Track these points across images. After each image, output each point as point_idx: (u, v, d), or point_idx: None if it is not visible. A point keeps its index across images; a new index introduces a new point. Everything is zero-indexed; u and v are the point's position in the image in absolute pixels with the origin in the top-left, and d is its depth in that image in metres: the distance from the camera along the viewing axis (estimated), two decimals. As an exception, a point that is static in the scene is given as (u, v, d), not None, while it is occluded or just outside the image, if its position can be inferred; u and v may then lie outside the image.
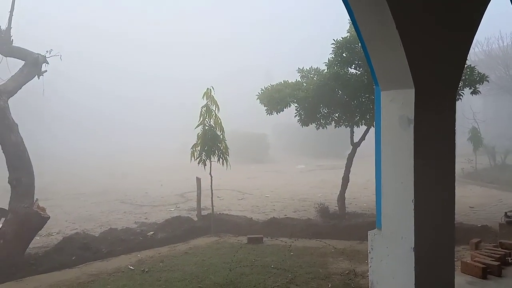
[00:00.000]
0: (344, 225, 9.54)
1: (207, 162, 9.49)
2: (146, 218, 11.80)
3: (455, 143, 3.02)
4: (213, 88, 9.42)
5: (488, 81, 10.12)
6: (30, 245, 8.30)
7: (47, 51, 8.81)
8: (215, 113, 9.44)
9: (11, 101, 8.24)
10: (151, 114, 38.38)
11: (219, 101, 9.57)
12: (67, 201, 14.66)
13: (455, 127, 2.99)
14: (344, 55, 9.97)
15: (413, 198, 2.61)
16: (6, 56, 8.79)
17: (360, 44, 9.78)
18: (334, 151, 27.86)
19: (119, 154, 28.26)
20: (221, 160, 9.51)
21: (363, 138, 10.83)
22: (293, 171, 23.24)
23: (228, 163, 9.51)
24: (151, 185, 18.47)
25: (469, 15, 2.80)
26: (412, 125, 2.58)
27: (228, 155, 9.59)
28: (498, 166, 20.43)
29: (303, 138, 27.68)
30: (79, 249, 8.11)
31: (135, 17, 46.30)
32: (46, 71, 8.89)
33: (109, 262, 7.83)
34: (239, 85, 39.88)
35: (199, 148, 9.43)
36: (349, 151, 11.10)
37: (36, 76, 8.72)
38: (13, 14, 8.88)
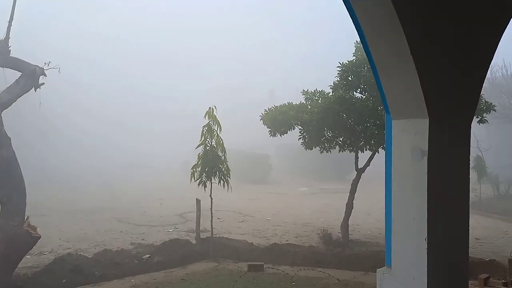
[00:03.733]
0: (348, 254, 9.19)
1: (208, 184, 9.21)
2: (143, 239, 11.45)
3: (469, 176, 2.82)
4: (215, 108, 9.22)
5: (495, 110, 9.97)
6: (20, 265, 7.97)
7: (45, 63, 8.64)
8: (216, 133, 9.21)
9: (8, 113, 8.03)
10: (154, 123, 37.73)
11: (219, 115, 9.35)
12: (63, 218, 14.31)
13: (469, 159, 2.81)
14: (349, 78, 9.83)
15: (426, 236, 2.41)
16: (3, 67, 8.62)
17: (366, 68, 9.71)
18: (338, 174, 27.54)
19: (120, 169, 27.88)
20: (222, 182, 9.23)
21: (368, 163, 10.57)
22: (296, 193, 22.88)
23: (229, 186, 9.23)
24: (151, 203, 18.12)
25: (486, 40, 2.65)
26: (425, 158, 2.40)
27: (229, 177, 9.32)
28: (502, 195, 20.14)
29: (306, 160, 27.31)
30: (70, 271, 7.77)
31: (142, 21, 46.05)
32: (43, 83, 8.69)
33: (101, 287, 7.47)
34: (240, 99, 39.82)
35: (199, 169, 9.16)
36: (353, 175, 10.85)
37: (33, 88, 8.52)
38: (12, 24, 8.77)
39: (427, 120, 2.39)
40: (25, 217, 7.64)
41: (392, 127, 2.61)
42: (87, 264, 8.13)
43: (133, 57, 41.73)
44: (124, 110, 37.39)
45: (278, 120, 10.05)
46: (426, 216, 2.38)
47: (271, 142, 23.74)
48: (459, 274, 2.71)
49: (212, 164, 9.13)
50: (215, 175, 9.18)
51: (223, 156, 9.30)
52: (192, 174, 9.23)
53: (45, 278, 7.55)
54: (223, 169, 9.27)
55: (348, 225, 10.54)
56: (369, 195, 16.22)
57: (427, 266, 2.38)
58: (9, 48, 8.74)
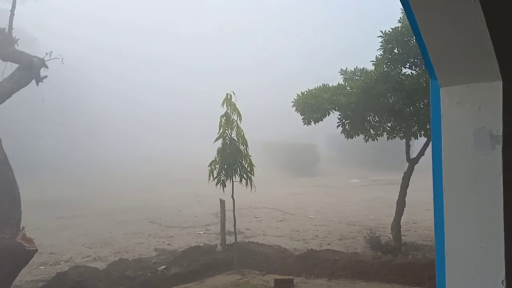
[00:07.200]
0: (399, 263, 7.56)
1: (228, 183, 7.94)
2: (169, 244, 10.50)
3: None
4: (234, 94, 7.88)
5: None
6: (23, 278, 7.28)
7: (46, 53, 7.79)
8: (236, 123, 7.88)
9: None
10: (197, 121, 37.34)
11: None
12: (94, 220, 13.76)
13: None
14: (395, 51, 8.11)
15: (503, 277, 1.53)
16: (4, 61, 7.87)
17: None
18: (394, 163, 25.29)
19: (163, 164, 27.44)
20: (244, 180, 7.92)
21: (422, 152, 8.83)
22: (345, 186, 21.12)
23: (252, 184, 7.91)
24: (189, 200, 17.23)
25: None
26: (500, 146, 1.54)
27: (253, 174, 7.99)
28: None
29: (358, 149, 25.33)
30: (71, 288, 6.85)
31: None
32: (46, 76, 7.87)
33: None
34: (288, 90, 38.24)
35: (218, 166, 7.91)
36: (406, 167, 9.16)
37: (35, 81, 7.69)
38: (14, 14, 8.05)
39: (500, 84, 1.53)
40: (20, 228, 6.79)
41: (441, 98, 1.73)
42: (92, 279, 7.17)
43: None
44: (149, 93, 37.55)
45: (310, 106, 8.55)
46: (503, 244, 1.53)
47: (319, 131, 22.10)
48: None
49: (232, 160, 7.83)
50: (236, 172, 7.87)
51: (245, 150, 7.97)
52: (211, 172, 7.98)
53: (43, 296, 6.71)
54: (245, 165, 7.95)
55: (400, 225, 8.89)
56: (427, 186, 14.25)
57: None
58: (15, 40, 8.05)
